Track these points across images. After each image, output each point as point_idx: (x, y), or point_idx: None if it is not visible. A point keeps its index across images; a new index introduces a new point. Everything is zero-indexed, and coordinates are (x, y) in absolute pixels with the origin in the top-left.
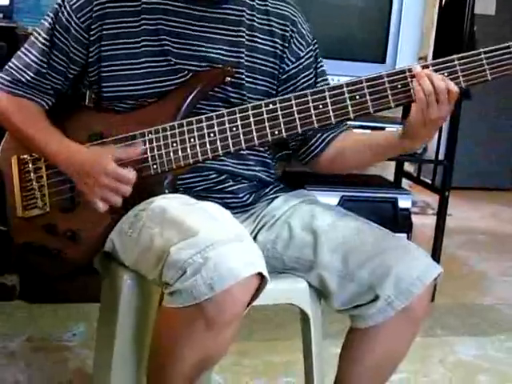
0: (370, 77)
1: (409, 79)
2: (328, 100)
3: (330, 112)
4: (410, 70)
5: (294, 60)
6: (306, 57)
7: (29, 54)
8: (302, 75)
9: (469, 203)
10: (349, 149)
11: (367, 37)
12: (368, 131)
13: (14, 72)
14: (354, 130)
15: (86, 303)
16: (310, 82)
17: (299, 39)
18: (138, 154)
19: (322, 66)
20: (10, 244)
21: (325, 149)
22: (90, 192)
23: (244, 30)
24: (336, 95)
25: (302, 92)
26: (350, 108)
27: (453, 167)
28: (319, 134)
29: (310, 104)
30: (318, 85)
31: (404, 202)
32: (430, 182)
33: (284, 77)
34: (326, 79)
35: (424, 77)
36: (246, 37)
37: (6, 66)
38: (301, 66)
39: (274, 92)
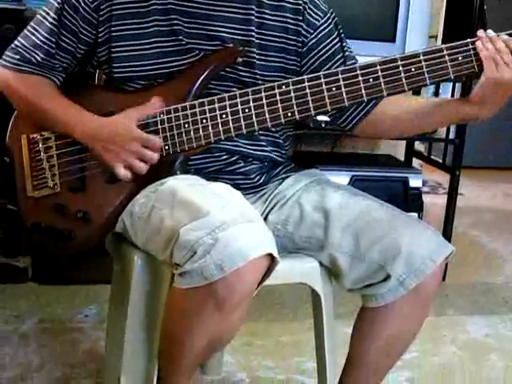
0: (383, 60)
1: (423, 63)
2: (341, 82)
3: (344, 94)
4: (424, 54)
5: (311, 31)
6: (325, 25)
7: (37, 34)
8: (325, 43)
9: (480, 182)
10: (406, 112)
11: (377, 16)
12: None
13: (22, 51)
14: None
15: (97, 284)
16: (335, 46)
17: (314, 9)
18: (156, 108)
19: (343, 32)
20: (21, 225)
21: (369, 112)
22: (113, 159)
23: (253, 7)
24: (349, 78)
25: (315, 74)
26: (363, 91)
27: (463, 146)
28: None
29: (324, 86)
30: (345, 48)
31: (415, 182)
32: (440, 161)
33: (305, 49)
34: (350, 47)
35: (488, 40)
36: (256, 14)
37: (13, 45)
38: (321, 35)
39: (293, 67)
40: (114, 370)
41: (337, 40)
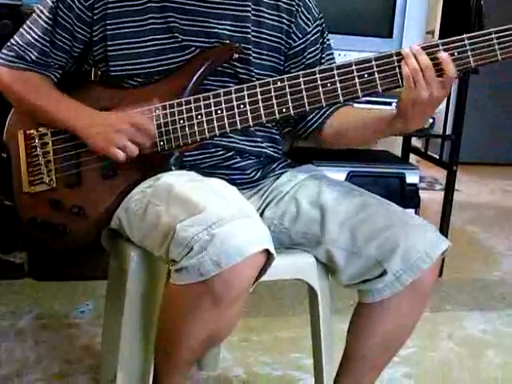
0: (379, 55)
1: None
2: (336, 78)
3: (339, 90)
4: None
5: (300, 36)
6: (313, 32)
7: (31, 32)
8: (309, 51)
9: (478, 179)
10: (349, 124)
11: (374, 11)
12: (370, 106)
13: (16, 49)
14: (357, 106)
15: (94, 280)
16: (316, 57)
17: (306, 14)
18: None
19: (328, 40)
20: (18, 221)
21: (324, 123)
22: (106, 140)
23: (250, 4)
24: (344, 73)
25: (310, 70)
26: (358, 86)
27: (460, 142)
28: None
29: (319, 82)
30: (324, 60)
31: (412, 178)
32: (437, 157)
33: (290, 52)
34: (332, 53)
35: (411, 57)
36: (252, 11)
37: (9, 43)
38: (308, 42)
39: (281, 67)
40: (110, 366)
41: (318, 51)
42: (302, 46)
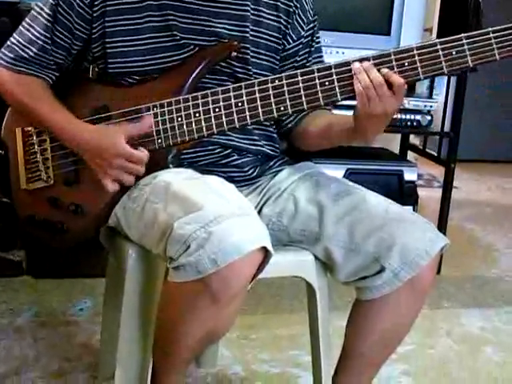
0: (376, 54)
1: (416, 57)
2: (334, 77)
3: (336, 89)
4: (417, 49)
5: (295, 38)
6: (306, 34)
7: (31, 30)
8: (301, 53)
9: (477, 176)
10: (321, 128)
11: (372, 9)
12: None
13: (16, 48)
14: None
15: (92, 278)
16: (303, 61)
17: (301, 15)
18: (148, 127)
19: (318, 42)
20: (16, 219)
21: (298, 124)
22: (101, 173)
23: (249, 4)
24: (342, 72)
25: (308, 69)
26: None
27: (458, 139)
28: None
29: (317, 81)
30: (310, 63)
31: (410, 175)
32: (435, 154)
33: (284, 54)
34: (321, 56)
35: (361, 72)
36: (252, 11)
37: (8, 42)
38: (300, 45)
39: (277, 68)
40: (108, 363)
41: (307, 55)
42: (296, 48)
